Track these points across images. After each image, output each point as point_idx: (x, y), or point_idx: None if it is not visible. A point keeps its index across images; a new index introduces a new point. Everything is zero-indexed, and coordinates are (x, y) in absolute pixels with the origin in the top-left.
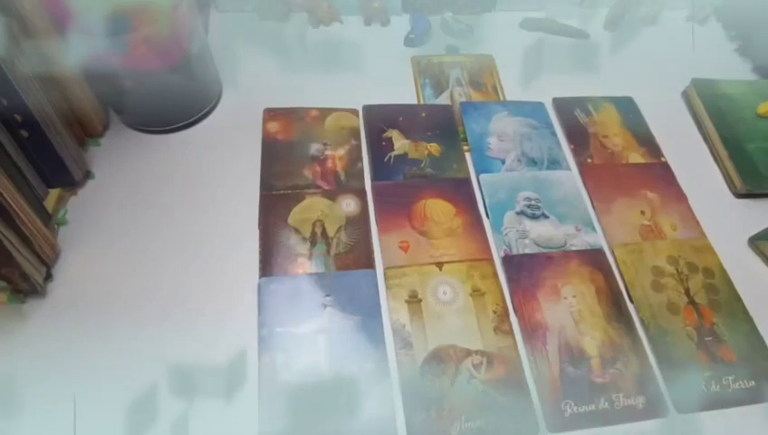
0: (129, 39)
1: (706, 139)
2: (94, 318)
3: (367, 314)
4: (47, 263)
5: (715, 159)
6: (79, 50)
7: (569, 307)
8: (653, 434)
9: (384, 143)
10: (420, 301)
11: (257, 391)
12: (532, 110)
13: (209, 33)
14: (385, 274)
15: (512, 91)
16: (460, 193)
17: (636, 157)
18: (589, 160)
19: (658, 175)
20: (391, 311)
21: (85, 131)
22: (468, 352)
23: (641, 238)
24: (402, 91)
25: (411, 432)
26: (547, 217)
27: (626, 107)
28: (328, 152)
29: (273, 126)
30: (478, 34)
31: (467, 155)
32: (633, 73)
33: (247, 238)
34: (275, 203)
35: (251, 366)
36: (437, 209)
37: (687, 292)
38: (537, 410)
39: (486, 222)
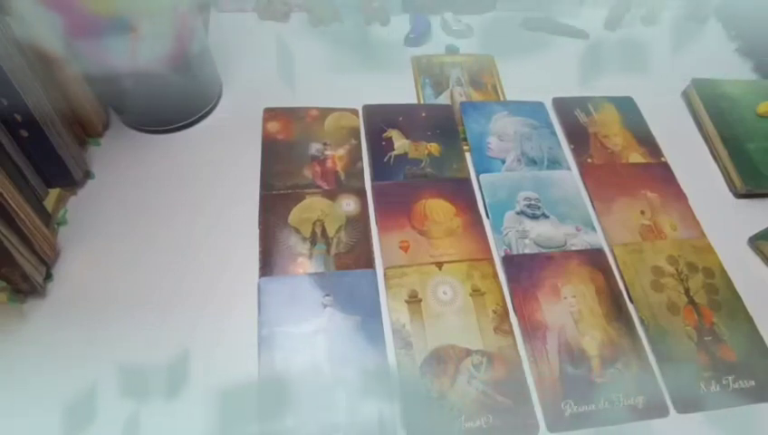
0: (129, 39)
1: (706, 139)
2: (94, 318)
3: (367, 313)
4: (47, 263)
5: (715, 159)
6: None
7: (569, 307)
8: (653, 434)
9: (384, 143)
10: (420, 301)
11: (257, 390)
12: (532, 109)
13: (209, 33)
14: (385, 273)
15: (512, 91)
16: (460, 193)
17: (636, 157)
18: (589, 160)
19: (658, 175)
20: (391, 311)
21: (85, 131)
22: (468, 352)
23: (641, 238)
24: (402, 91)
25: (411, 432)
26: (547, 216)
27: (626, 107)
28: (328, 152)
29: (273, 126)
30: (478, 34)
31: (467, 155)
32: (633, 73)
33: (247, 238)
34: (275, 203)
35: (251, 366)
36: (437, 209)
37: (687, 292)
38: (537, 410)
39: (486, 222)
